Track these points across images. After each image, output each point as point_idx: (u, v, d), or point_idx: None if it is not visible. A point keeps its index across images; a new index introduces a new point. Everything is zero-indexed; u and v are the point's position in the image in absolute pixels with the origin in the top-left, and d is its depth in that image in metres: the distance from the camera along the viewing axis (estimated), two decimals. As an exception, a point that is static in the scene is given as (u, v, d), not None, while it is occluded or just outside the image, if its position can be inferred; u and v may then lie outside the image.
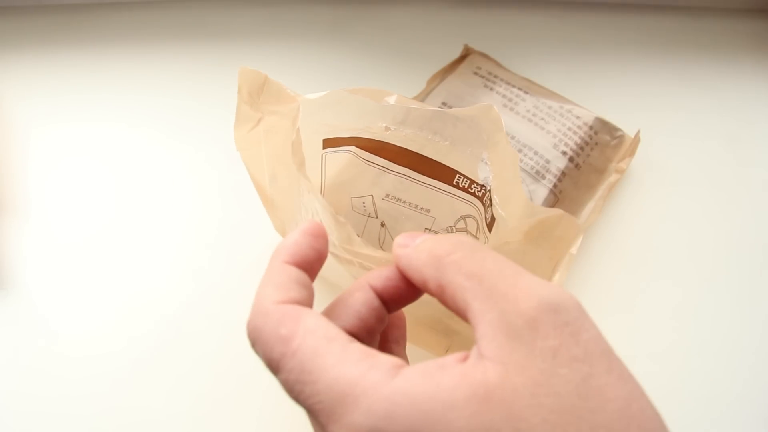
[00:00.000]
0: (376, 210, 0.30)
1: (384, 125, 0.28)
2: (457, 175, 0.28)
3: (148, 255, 0.35)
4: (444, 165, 0.28)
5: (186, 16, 0.43)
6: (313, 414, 0.16)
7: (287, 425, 0.32)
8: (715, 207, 0.37)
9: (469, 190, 0.28)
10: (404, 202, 0.30)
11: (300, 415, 0.32)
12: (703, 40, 0.43)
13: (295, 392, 0.17)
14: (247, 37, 0.43)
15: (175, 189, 0.37)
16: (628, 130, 0.37)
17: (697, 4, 0.44)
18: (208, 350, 0.33)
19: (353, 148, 0.29)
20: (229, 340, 0.33)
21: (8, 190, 0.37)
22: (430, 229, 0.30)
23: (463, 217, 0.29)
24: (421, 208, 0.30)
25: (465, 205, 0.28)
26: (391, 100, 0.26)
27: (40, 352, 0.33)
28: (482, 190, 0.27)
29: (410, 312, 0.32)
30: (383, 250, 0.31)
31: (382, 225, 0.30)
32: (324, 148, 0.29)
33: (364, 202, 0.30)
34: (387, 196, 0.30)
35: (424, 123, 0.27)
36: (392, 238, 0.30)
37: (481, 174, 0.27)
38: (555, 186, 0.34)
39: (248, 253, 0.35)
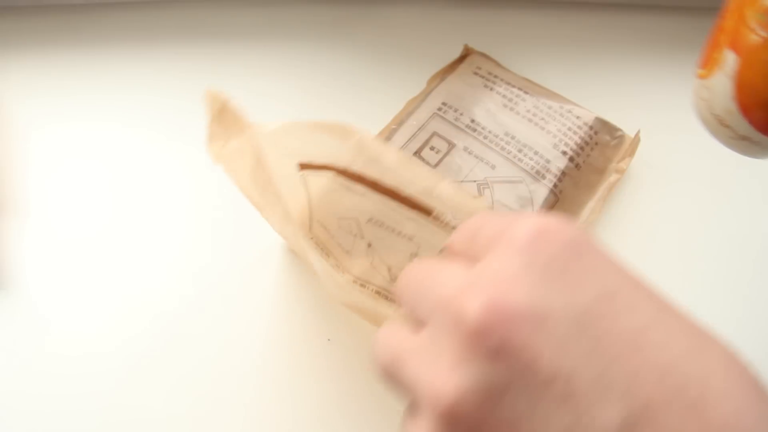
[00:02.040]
0: (362, 232, 0.30)
1: (352, 162, 0.27)
2: (435, 211, 0.27)
3: (148, 255, 0.35)
4: (419, 201, 0.27)
5: (186, 16, 0.43)
6: None
7: (286, 425, 0.32)
8: (715, 207, 0.37)
9: (450, 224, 0.27)
10: (387, 226, 0.29)
11: (299, 414, 0.32)
12: (703, 39, 0.43)
13: None
14: (247, 37, 0.43)
15: (175, 189, 0.37)
16: (628, 130, 0.37)
17: (697, 5, 0.44)
18: (207, 350, 0.33)
19: (331, 174, 0.28)
20: (228, 340, 0.33)
21: (8, 190, 0.37)
22: (416, 254, 0.29)
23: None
24: (404, 235, 0.29)
25: (447, 235, 0.28)
26: (353, 140, 0.25)
27: (40, 351, 0.33)
28: None
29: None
30: (373, 267, 0.30)
31: (369, 245, 0.30)
32: (301, 170, 0.28)
33: (350, 224, 0.30)
34: (370, 220, 0.29)
35: (390, 166, 0.26)
36: (381, 259, 0.30)
37: (451, 221, 0.27)
38: (555, 186, 0.34)
39: (248, 253, 0.35)
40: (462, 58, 0.40)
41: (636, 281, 0.17)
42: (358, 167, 0.27)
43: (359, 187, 0.28)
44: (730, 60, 0.21)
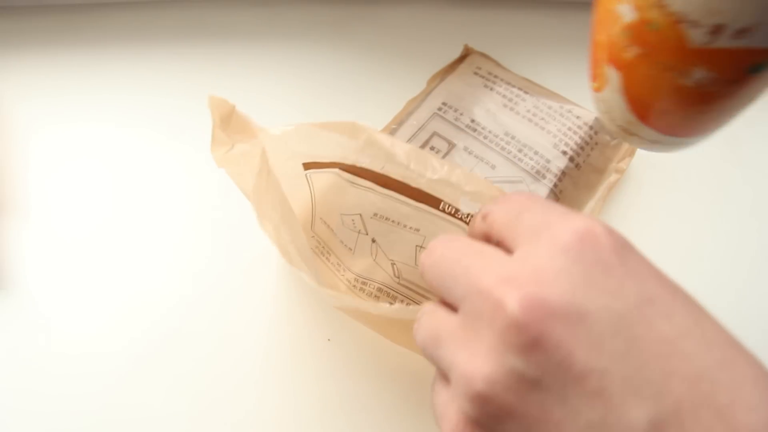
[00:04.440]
0: (366, 228, 0.30)
1: (357, 159, 0.27)
2: (442, 203, 0.27)
3: (148, 254, 0.35)
4: (427, 193, 0.27)
5: (186, 16, 0.43)
6: None
7: (286, 424, 0.32)
8: (715, 207, 0.37)
9: (456, 215, 0.28)
10: (392, 221, 0.29)
11: (298, 414, 0.32)
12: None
13: None
14: (247, 37, 0.43)
15: (175, 189, 0.37)
16: (628, 130, 0.37)
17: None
18: (207, 349, 0.33)
19: (336, 170, 0.28)
20: (228, 340, 0.33)
21: (8, 190, 0.37)
22: (421, 246, 0.30)
23: None
24: (410, 227, 0.29)
25: (453, 227, 0.28)
26: (363, 137, 0.26)
27: (40, 351, 0.33)
28: (468, 217, 0.27)
29: (406, 326, 0.31)
30: (376, 263, 0.30)
31: (373, 241, 0.30)
32: (306, 170, 0.29)
33: (353, 220, 0.30)
34: (375, 215, 0.29)
35: (398, 164, 0.27)
36: (385, 254, 0.30)
37: (463, 208, 0.27)
38: (555, 186, 0.34)
39: (248, 253, 0.35)
40: (462, 58, 0.40)
41: (674, 289, 0.17)
42: (365, 163, 0.27)
43: (365, 182, 0.28)
44: (613, 76, 0.21)
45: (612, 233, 0.17)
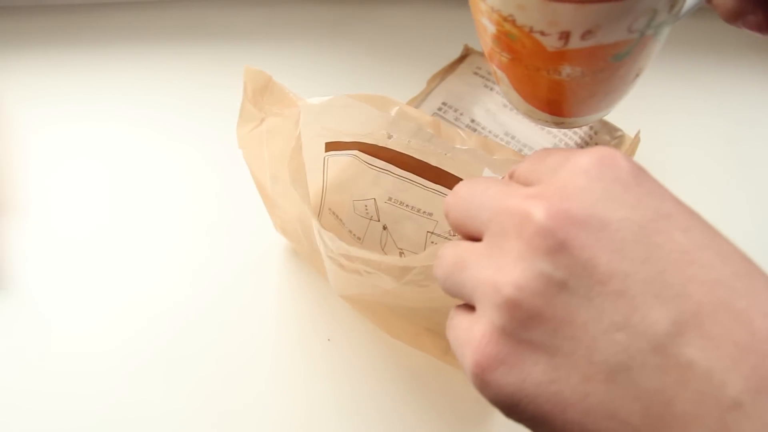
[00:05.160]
0: (378, 213, 0.30)
1: (386, 133, 0.28)
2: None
3: (148, 254, 0.35)
4: (446, 172, 0.28)
5: (186, 16, 0.43)
6: None
7: (286, 424, 0.32)
8: (715, 207, 0.37)
9: None
10: (406, 205, 0.30)
11: (299, 413, 0.32)
12: (703, 40, 0.43)
13: None
14: (247, 37, 0.43)
15: (174, 189, 0.37)
16: (628, 130, 0.37)
17: (697, 4, 0.44)
18: (207, 348, 0.33)
19: (356, 152, 0.29)
20: (228, 339, 0.33)
21: (8, 190, 0.37)
22: (432, 233, 0.30)
23: None
24: (424, 212, 0.30)
25: None
26: (394, 109, 0.26)
27: (40, 350, 0.33)
28: None
29: (408, 316, 0.32)
30: (385, 252, 0.31)
31: (384, 228, 0.30)
32: (327, 151, 0.29)
33: (366, 205, 0.30)
34: (389, 199, 0.30)
35: (427, 136, 0.27)
36: (394, 242, 0.30)
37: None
38: (555, 186, 0.34)
39: (248, 253, 0.35)
40: (462, 58, 0.40)
41: (691, 210, 0.18)
42: (393, 136, 0.28)
43: (383, 164, 0.29)
44: (500, 75, 0.23)
45: (629, 159, 0.18)
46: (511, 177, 0.20)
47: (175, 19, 0.43)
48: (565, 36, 0.18)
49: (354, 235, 0.31)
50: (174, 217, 0.36)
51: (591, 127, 0.36)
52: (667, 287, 0.15)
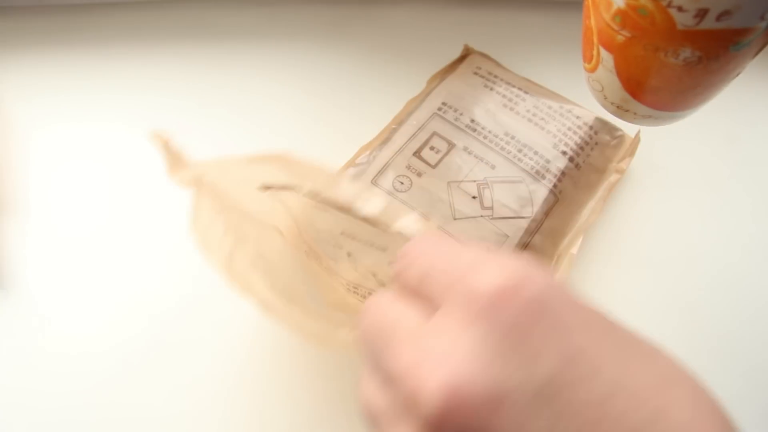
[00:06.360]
0: (339, 243, 0.30)
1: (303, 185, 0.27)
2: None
3: (148, 254, 0.35)
4: (375, 222, 0.26)
5: (186, 16, 0.43)
6: None
7: (284, 425, 0.32)
8: (715, 207, 0.37)
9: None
10: (360, 239, 0.29)
11: (298, 414, 0.32)
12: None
13: None
14: (247, 37, 0.43)
15: (174, 189, 0.37)
16: (628, 130, 0.37)
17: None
18: (206, 348, 0.33)
19: (293, 193, 0.28)
20: (227, 339, 0.33)
21: (8, 190, 0.37)
22: (394, 263, 0.29)
23: None
24: (378, 246, 0.29)
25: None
26: (293, 169, 0.25)
27: (39, 350, 0.33)
28: None
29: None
30: (360, 274, 0.30)
31: (349, 255, 0.30)
32: (265, 191, 0.28)
33: (327, 236, 0.30)
34: (342, 233, 0.30)
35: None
36: (364, 267, 0.30)
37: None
38: (555, 186, 0.34)
39: (248, 253, 0.35)
40: (462, 58, 0.40)
41: (603, 331, 0.16)
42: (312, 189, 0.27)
43: (322, 204, 0.28)
44: (605, 57, 0.23)
45: (530, 282, 0.16)
46: (397, 279, 0.19)
47: (175, 19, 0.43)
48: (702, 14, 0.19)
49: (329, 256, 0.31)
50: (173, 218, 0.36)
51: (591, 127, 0.36)
52: None
